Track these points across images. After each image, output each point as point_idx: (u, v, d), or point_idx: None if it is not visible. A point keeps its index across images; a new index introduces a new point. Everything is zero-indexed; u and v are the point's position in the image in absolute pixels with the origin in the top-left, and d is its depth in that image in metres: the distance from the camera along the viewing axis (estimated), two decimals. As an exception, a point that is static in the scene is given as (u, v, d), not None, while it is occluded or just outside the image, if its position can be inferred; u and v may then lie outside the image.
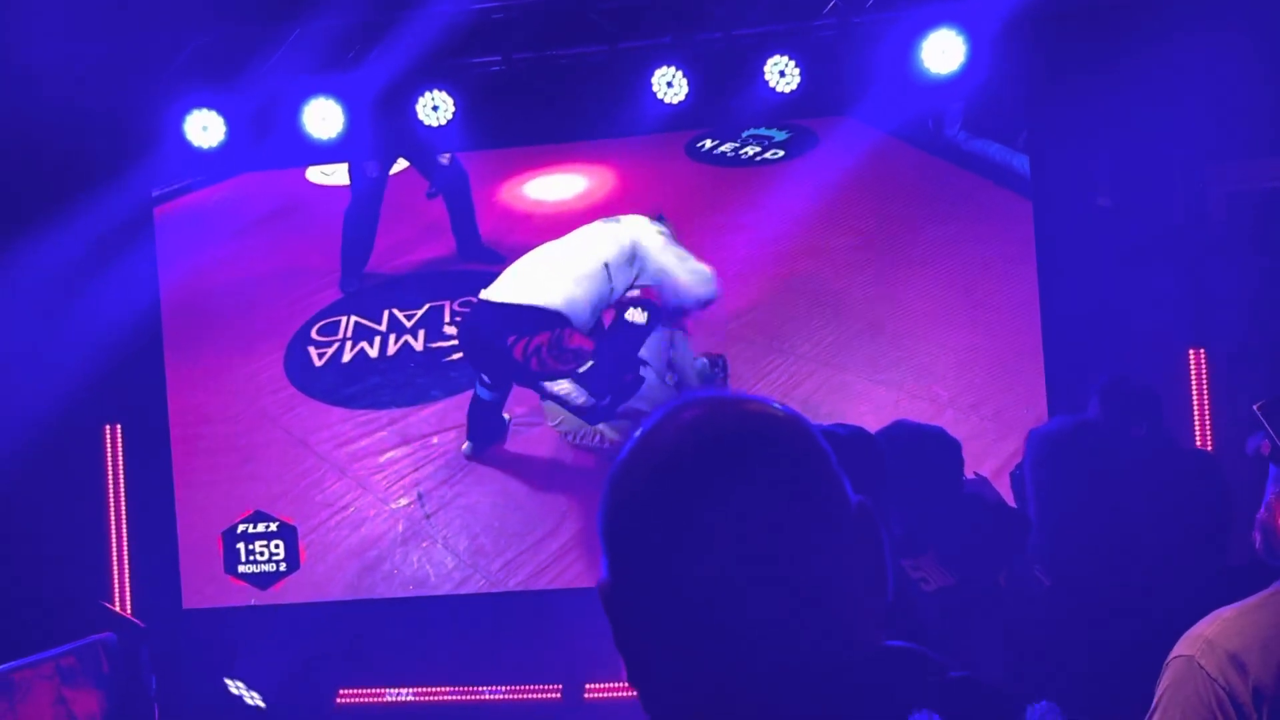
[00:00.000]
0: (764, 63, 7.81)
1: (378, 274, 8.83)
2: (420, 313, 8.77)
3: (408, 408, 8.73)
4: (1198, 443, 7.61)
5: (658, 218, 8.51)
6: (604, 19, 7.97)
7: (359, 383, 8.78)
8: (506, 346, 8.44)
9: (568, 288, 8.43)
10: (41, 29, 7.76)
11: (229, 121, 8.14)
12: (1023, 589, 4.22)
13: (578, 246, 8.53)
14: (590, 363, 8.43)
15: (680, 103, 7.93)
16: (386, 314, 8.80)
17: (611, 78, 8.08)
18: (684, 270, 8.43)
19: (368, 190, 8.78)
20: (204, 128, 8.15)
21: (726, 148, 8.60)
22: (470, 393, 8.65)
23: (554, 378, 8.45)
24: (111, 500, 8.66)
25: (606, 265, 8.43)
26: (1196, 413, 7.68)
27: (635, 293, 8.47)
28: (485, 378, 8.60)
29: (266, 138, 8.23)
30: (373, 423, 8.75)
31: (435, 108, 8.08)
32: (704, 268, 8.42)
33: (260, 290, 8.85)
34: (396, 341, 8.76)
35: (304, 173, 8.86)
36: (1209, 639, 2.43)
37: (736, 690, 1.37)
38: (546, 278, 8.49)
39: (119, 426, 8.70)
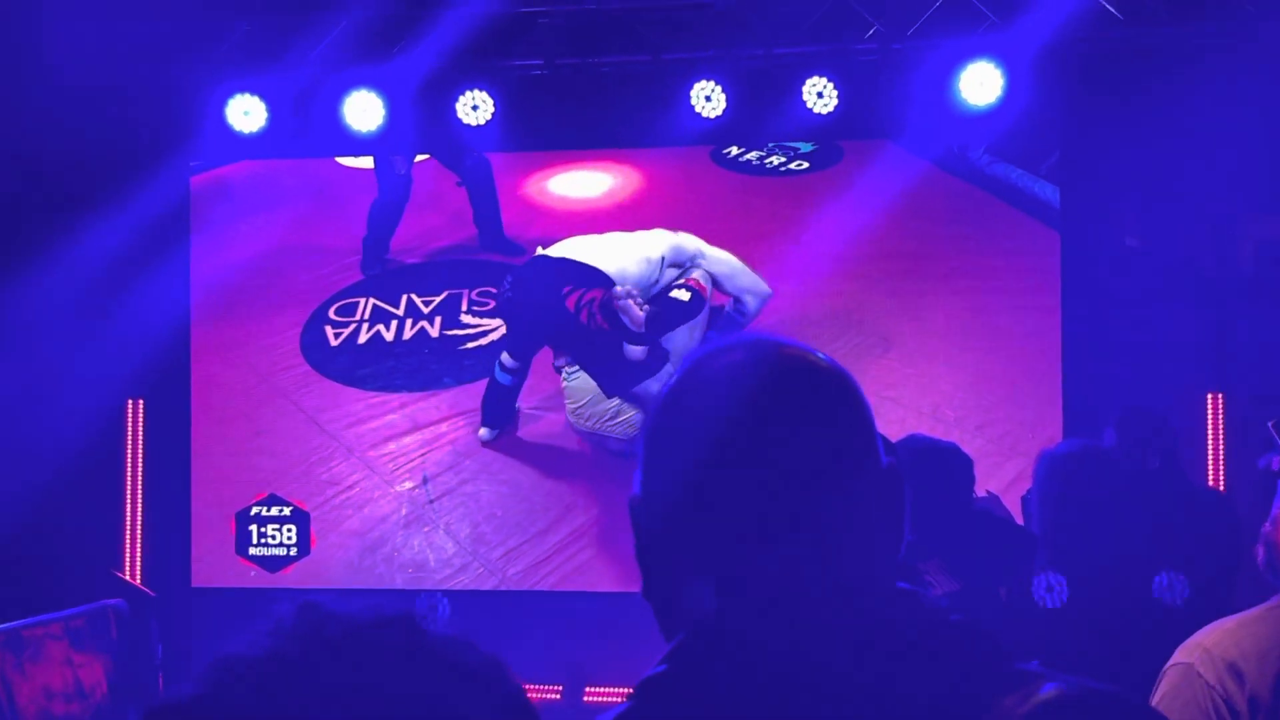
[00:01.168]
0: (803, 83, 7.87)
1: (399, 259, 8.92)
2: (438, 300, 8.85)
3: (419, 393, 8.82)
4: (1211, 485, 7.62)
5: None
6: (648, 29, 8.05)
7: (373, 365, 8.87)
8: (560, 295, 8.53)
9: (623, 261, 8.57)
10: (90, 7, 7.87)
11: (271, 107, 8.22)
12: (1025, 604, 4.26)
13: (640, 235, 8.66)
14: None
15: (717, 117, 7.99)
16: (405, 299, 8.88)
17: (651, 88, 8.15)
18: (747, 270, 8.54)
19: (395, 186, 8.87)
20: (246, 112, 8.23)
21: (752, 155, 8.68)
22: (482, 382, 8.72)
23: (599, 333, 8.53)
24: (129, 474, 8.74)
25: (663, 258, 8.54)
26: (1211, 457, 7.70)
27: (680, 281, 8.57)
28: (507, 358, 8.64)
29: (307, 126, 8.31)
30: (383, 405, 8.84)
31: (475, 107, 8.15)
32: (763, 284, 8.55)
33: (283, 266, 8.96)
34: (413, 327, 8.84)
35: (333, 155, 8.96)
36: (1207, 648, 2.46)
37: (749, 607, 1.42)
38: (605, 248, 8.64)
39: (141, 402, 8.78)
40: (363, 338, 8.89)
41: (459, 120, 8.17)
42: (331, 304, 8.95)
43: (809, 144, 8.59)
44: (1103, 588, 4.33)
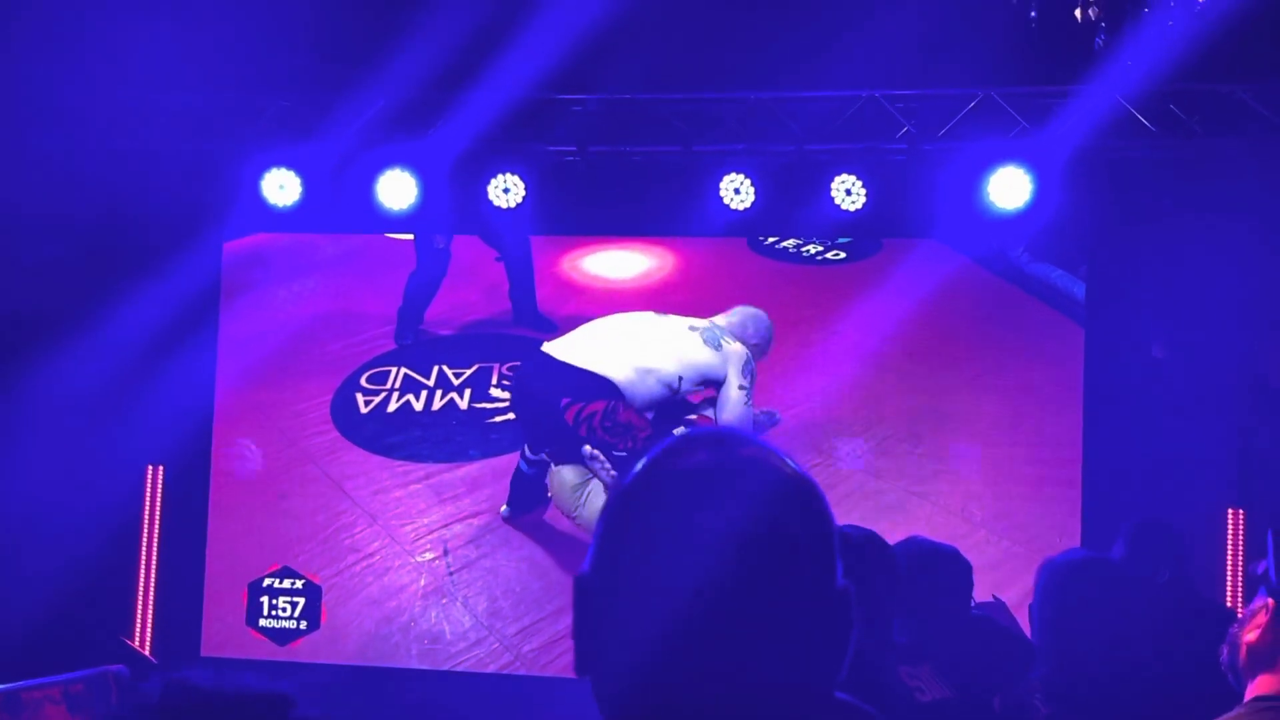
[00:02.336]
0: (832, 179, 7.91)
1: (432, 330, 8.96)
2: (469, 372, 8.89)
3: (445, 464, 8.84)
4: (1228, 603, 7.51)
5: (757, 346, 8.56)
6: (680, 120, 8.11)
7: (401, 434, 8.90)
8: (559, 408, 8.51)
9: (632, 371, 8.49)
10: (133, 78, 8.02)
11: (305, 181, 8.31)
12: (1019, 715, 4.19)
13: (664, 343, 8.55)
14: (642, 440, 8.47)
15: (746, 209, 8.03)
16: (436, 370, 8.93)
17: (681, 179, 8.21)
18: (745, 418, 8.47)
19: (434, 260, 8.94)
20: (281, 186, 8.32)
21: (790, 243, 8.70)
22: (507, 456, 8.74)
23: (602, 449, 8.48)
24: (145, 540, 8.76)
25: (681, 378, 8.49)
26: (1230, 573, 7.59)
27: (693, 417, 8.52)
28: (527, 449, 8.65)
29: (340, 201, 8.39)
30: (409, 475, 8.86)
31: (506, 190, 8.22)
32: (761, 417, 8.47)
33: (317, 332, 9.03)
34: (443, 398, 8.88)
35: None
36: None
37: (680, 698, 1.42)
38: (618, 350, 8.54)
39: (161, 468, 8.81)
40: (392, 406, 8.93)
41: (490, 202, 8.23)
42: (363, 372, 9.00)
43: (847, 235, 8.61)
44: (1100, 700, 4.26)
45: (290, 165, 8.31)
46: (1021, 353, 8.33)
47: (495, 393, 8.84)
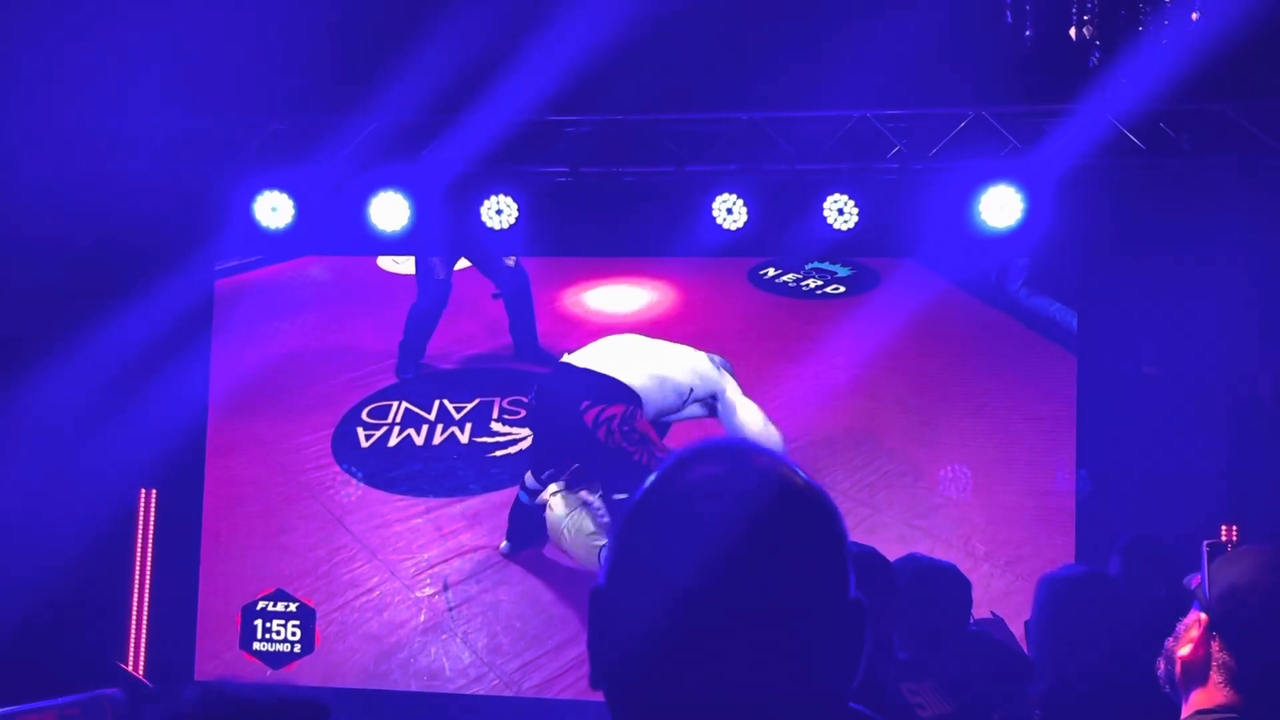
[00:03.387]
0: (824, 199, 7.93)
1: (433, 364, 8.96)
2: (470, 406, 8.88)
3: (445, 498, 8.81)
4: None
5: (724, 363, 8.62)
6: (673, 141, 8.13)
7: (401, 468, 8.88)
8: (579, 411, 8.50)
9: (649, 379, 8.53)
10: (125, 102, 8.02)
11: (298, 204, 8.31)
12: (1018, 731, 4.20)
13: (677, 356, 8.64)
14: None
15: (738, 230, 8.05)
16: (437, 404, 8.92)
17: (674, 199, 8.22)
18: (761, 423, 8.49)
19: (434, 291, 8.94)
20: (273, 209, 8.32)
21: (789, 278, 8.71)
22: (508, 490, 8.71)
23: (618, 454, 8.46)
24: (138, 564, 8.73)
25: (691, 390, 8.52)
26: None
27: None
28: (529, 478, 8.63)
29: (334, 224, 8.40)
30: (409, 509, 8.83)
31: (499, 211, 8.23)
32: (776, 433, 8.49)
33: (316, 366, 9.02)
34: (443, 432, 8.86)
35: (375, 259, 9.04)
36: None
37: (694, 710, 1.43)
38: (634, 359, 8.61)
39: (154, 492, 8.79)
40: (393, 440, 8.91)
41: (483, 223, 8.24)
42: (365, 406, 8.99)
43: (846, 269, 8.62)
44: (1098, 715, 4.27)
45: (283, 188, 8.31)
46: (1021, 384, 8.34)
47: (496, 427, 8.83)
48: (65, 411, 8.37)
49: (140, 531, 8.76)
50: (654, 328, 8.75)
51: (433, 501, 8.83)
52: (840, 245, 8.12)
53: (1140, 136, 7.64)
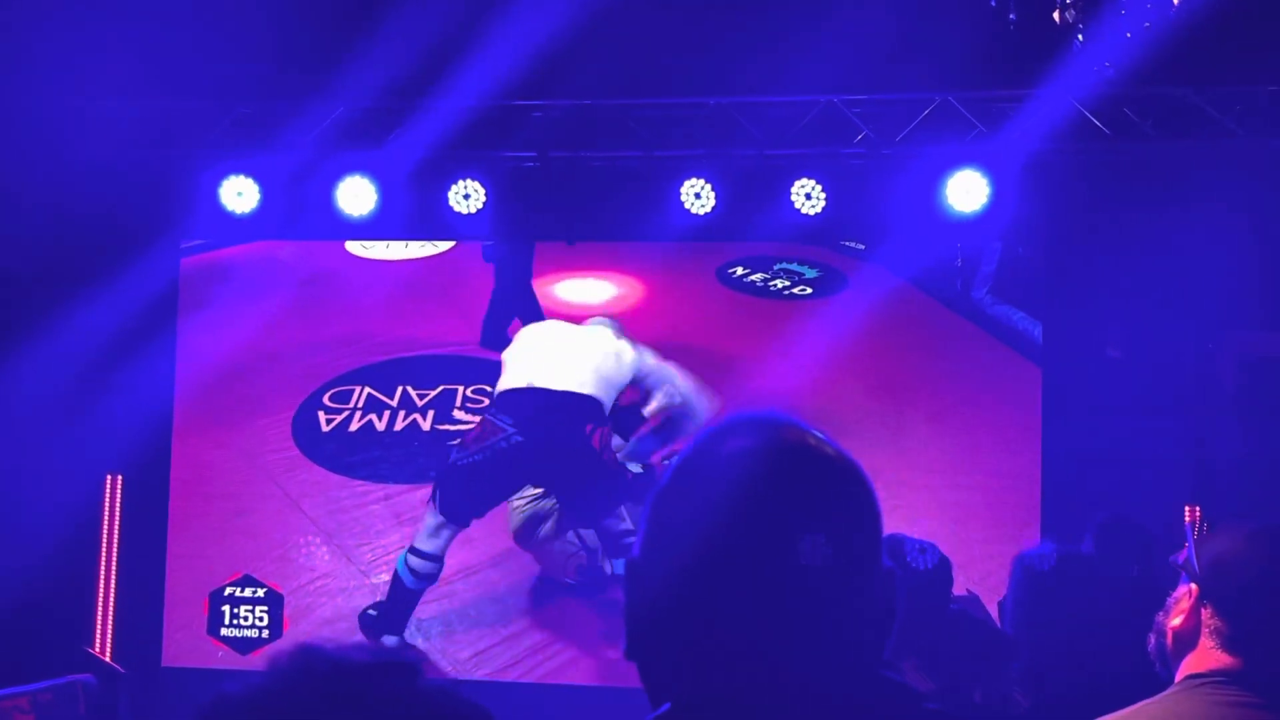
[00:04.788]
0: (791, 183, 7.96)
1: (397, 352, 8.92)
2: (433, 394, 8.85)
3: (404, 485, 8.78)
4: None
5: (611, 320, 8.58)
6: (641, 126, 8.14)
7: (361, 453, 8.85)
8: (586, 435, 8.39)
9: (597, 382, 8.43)
10: (87, 87, 7.96)
11: (264, 189, 8.27)
12: (1000, 708, 4.25)
13: (597, 351, 8.53)
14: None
15: (706, 214, 8.06)
16: (400, 390, 8.88)
17: (642, 184, 8.23)
18: (696, 390, 8.50)
19: (506, 261, 8.87)
20: (239, 193, 8.28)
21: (757, 277, 8.73)
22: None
23: (617, 470, 8.42)
24: (104, 549, 8.68)
25: (629, 378, 8.49)
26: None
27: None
28: (427, 542, 8.49)
29: (299, 208, 8.36)
30: (367, 495, 8.81)
31: (467, 196, 8.22)
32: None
33: (280, 350, 8.97)
34: (405, 419, 8.84)
35: (343, 242, 9.01)
36: None
37: (734, 684, 1.45)
38: (575, 366, 8.45)
39: (120, 477, 8.74)
40: (354, 425, 8.88)
41: (450, 208, 8.23)
42: (326, 390, 8.95)
43: (814, 270, 8.64)
44: (1076, 691, 4.32)
45: (248, 172, 8.27)
46: (981, 390, 8.41)
47: (459, 414, 8.80)
48: (30, 397, 8.30)
49: (106, 517, 8.71)
50: (621, 322, 8.73)
51: (391, 488, 8.80)
52: (808, 229, 8.15)
53: (1104, 121, 7.70)
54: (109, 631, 8.62)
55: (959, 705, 4.08)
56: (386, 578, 8.64)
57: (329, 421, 8.90)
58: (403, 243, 9.00)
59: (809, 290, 8.67)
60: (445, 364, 8.91)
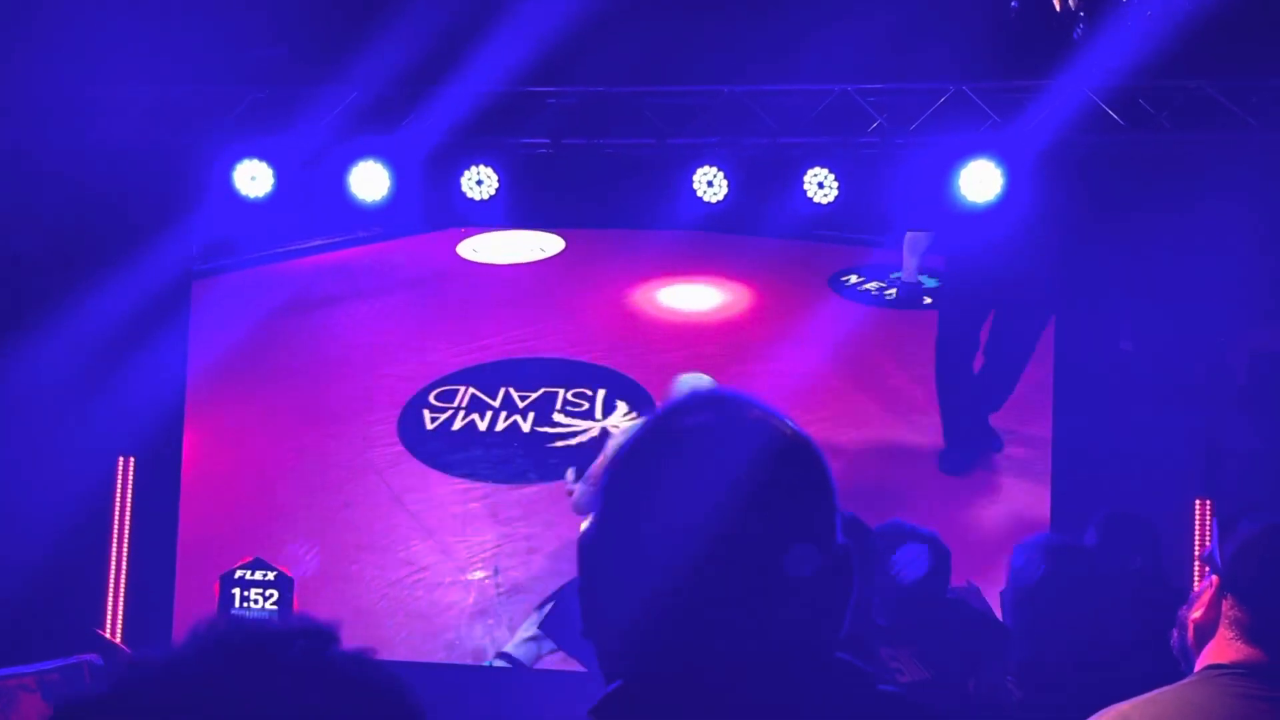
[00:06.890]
0: (804, 172, 7.95)
1: (504, 355, 9.02)
2: (534, 396, 8.92)
3: (502, 484, 8.84)
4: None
5: None
6: (654, 113, 8.13)
7: (462, 452, 8.91)
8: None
9: None
10: (102, 70, 7.98)
11: (278, 173, 8.28)
12: (992, 698, 4.24)
13: None
14: None
15: (718, 202, 8.06)
16: (503, 391, 8.96)
17: (654, 171, 8.23)
18: None
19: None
20: (253, 177, 8.29)
21: (872, 286, 8.75)
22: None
23: None
24: (116, 531, 8.72)
25: None
26: (1197, 563, 7.66)
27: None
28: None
29: (313, 193, 8.37)
30: (468, 493, 8.86)
31: (480, 182, 8.23)
32: None
33: (390, 347, 9.12)
34: (506, 419, 8.89)
35: (455, 246, 9.11)
36: None
37: (681, 656, 1.45)
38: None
39: (132, 460, 8.78)
40: (457, 424, 8.94)
41: (464, 195, 8.24)
42: (432, 389, 9.02)
43: (933, 279, 8.68)
44: (1072, 684, 4.30)
45: (262, 156, 8.28)
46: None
47: (559, 418, 8.85)
48: (45, 382, 8.34)
49: (118, 499, 8.74)
50: (728, 330, 8.81)
51: (489, 487, 8.85)
52: (820, 218, 8.14)
53: (1119, 112, 7.66)
54: (119, 612, 8.66)
55: (951, 695, 4.07)
56: (482, 575, 8.70)
57: (434, 419, 8.96)
58: (509, 248, 9.10)
59: (928, 300, 8.68)
60: (547, 367, 8.98)
